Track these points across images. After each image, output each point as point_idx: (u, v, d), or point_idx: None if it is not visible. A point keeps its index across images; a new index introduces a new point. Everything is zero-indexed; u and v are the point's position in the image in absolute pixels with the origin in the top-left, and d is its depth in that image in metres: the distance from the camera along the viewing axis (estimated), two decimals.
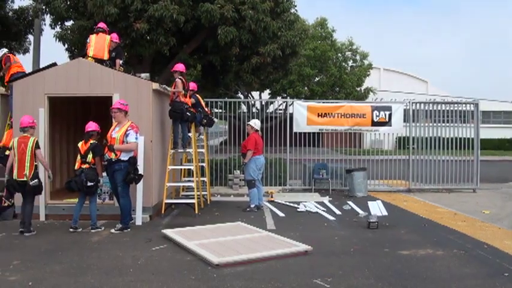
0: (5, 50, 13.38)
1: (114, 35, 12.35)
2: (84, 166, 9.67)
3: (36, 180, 9.51)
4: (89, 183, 9.61)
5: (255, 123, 12.53)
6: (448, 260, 7.63)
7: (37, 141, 9.69)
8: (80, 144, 9.79)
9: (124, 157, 9.58)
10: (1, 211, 11.02)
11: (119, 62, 12.39)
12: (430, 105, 16.67)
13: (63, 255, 7.90)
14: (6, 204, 11.21)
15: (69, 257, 7.74)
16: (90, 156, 9.70)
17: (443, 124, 16.40)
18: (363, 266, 7.20)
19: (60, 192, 11.88)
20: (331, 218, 11.19)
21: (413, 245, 8.57)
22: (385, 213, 10.97)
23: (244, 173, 13.10)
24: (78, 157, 9.77)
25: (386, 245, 8.53)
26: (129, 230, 9.66)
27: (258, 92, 37.75)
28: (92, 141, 9.79)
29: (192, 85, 12.78)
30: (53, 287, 6.34)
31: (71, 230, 9.54)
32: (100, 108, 12.35)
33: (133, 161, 9.64)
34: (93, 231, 9.62)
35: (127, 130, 9.61)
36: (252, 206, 12.12)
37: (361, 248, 8.33)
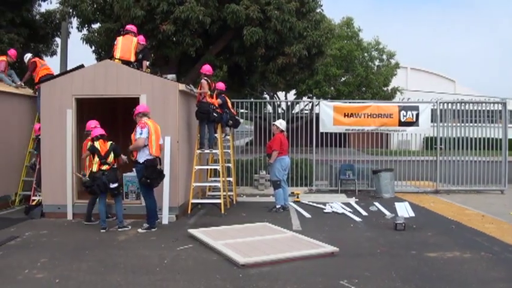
0: (29, 55, 13.64)
1: (141, 37, 12.47)
2: (104, 168, 9.72)
3: (86, 177, 9.92)
4: (113, 185, 9.70)
5: (281, 123, 12.51)
6: (475, 263, 7.52)
7: (90, 144, 9.93)
8: (98, 146, 9.78)
9: (140, 158, 9.58)
10: (29, 209, 11.24)
11: (146, 63, 12.50)
12: (458, 105, 16.45)
13: (90, 253, 8.00)
14: (34, 203, 11.45)
15: (96, 256, 7.84)
16: (111, 156, 9.79)
17: (471, 124, 16.17)
18: (389, 268, 7.14)
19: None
20: (357, 219, 11.12)
21: (440, 247, 8.46)
22: (412, 214, 10.85)
23: (269, 174, 13.09)
24: (96, 158, 9.73)
25: (413, 247, 8.45)
26: (155, 229, 9.74)
27: (283, 93, 37.68)
28: (110, 142, 9.89)
29: (220, 85, 12.83)
30: (80, 284, 6.43)
31: (102, 230, 9.64)
32: (127, 108, 12.45)
33: (149, 163, 9.53)
34: (120, 230, 9.71)
35: (135, 129, 9.65)
36: (278, 206, 12.10)
37: (388, 250, 8.26)
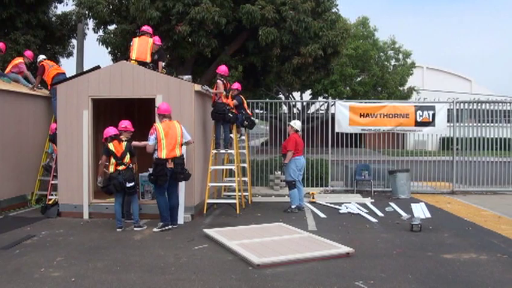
0: (41, 57, 13.79)
1: (157, 38, 12.53)
2: (120, 168, 9.77)
3: (99, 180, 9.99)
4: (129, 184, 9.76)
5: (295, 123, 12.50)
6: (491, 264, 7.45)
7: (105, 146, 9.97)
8: (112, 147, 9.82)
9: (154, 158, 9.79)
10: (46, 209, 11.36)
11: (162, 64, 12.56)
12: (474, 104, 16.31)
13: (106, 252, 8.06)
14: (50, 203, 11.58)
15: (111, 255, 7.90)
16: (127, 157, 9.84)
17: (488, 124, 16.02)
18: (405, 270, 7.10)
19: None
20: (373, 220, 11.07)
21: (456, 248, 8.40)
22: (428, 215, 10.78)
23: (284, 174, 13.09)
24: (112, 160, 9.78)
25: (429, 248, 8.39)
26: (169, 227, 9.81)
27: (299, 93, 37.62)
28: (126, 142, 9.93)
29: (237, 85, 12.81)
30: (96, 283, 6.48)
31: (118, 229, 9.71)
32: (143, 107, 12.54)
33: (158, 162, 9.68)
34: (136, 229, 9.77)
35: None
36: (293, 206, 12.09)
37: (404, 251, 8.21)
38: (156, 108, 10.35)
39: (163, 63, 13.00)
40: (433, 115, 15.50)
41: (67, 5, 23.40)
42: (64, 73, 13.46)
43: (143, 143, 10.14)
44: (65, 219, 10.89)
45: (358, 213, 11.80)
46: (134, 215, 9.98)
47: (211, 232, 9.14)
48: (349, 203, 12.98)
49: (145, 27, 12.63)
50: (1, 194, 11.45)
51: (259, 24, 16.59)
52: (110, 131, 9.96)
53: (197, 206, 11.24)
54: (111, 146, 9.80)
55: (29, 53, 14.35)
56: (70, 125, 11.08)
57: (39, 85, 13.65)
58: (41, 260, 7.53)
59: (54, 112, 12.29)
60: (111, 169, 9.77)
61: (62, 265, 7.30)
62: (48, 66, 13.40)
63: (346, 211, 12.07)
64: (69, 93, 11.15)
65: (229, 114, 11.63)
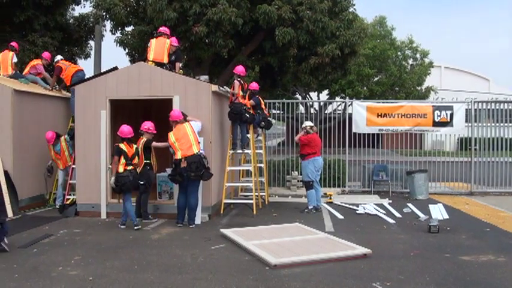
0: (58, 58, 13.89)
1: (174, 39, 12.59)
2: (128, 168, 9.86)
3: (112, 180, 10.03)
4: (141, 182, 10.04)
5: (305, 123, 12.42)
6: (509, 266, 7.37)
7: (115, 146, 10.13)
8: (124, 147, 9.90)
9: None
10: (64, 208, 11.46)
11: (179, 65, 12.61)
12: (493, 104, 16.14)
13: (123, 251, 8.12)
14: (68, 202, 11.69)
15: (129, 254, 7.95)
16: (137, 158, 10.00)
17: (507, 124, 15.84)
18: (423, 271, 7.05)
19: None
20: (391, 221, 11.01)
21: (474, 250, 8.32)
22: (446, 216, 10.71)
23: (302, 174, 13.07)
24: (122, 160, 9.85)
25: (447, 249, 8.32)
26: (181, 226, 10.06)
27: (316, 93, 37.52)
28: (136, 146, 10.06)
29: (254, 85, 12.80)
30: (113, 282, 6.53)
31: (136, 228, 9.79)
32: (161, 109, 12.59)
33: (175, 162, 10.00)
34: (121, 226, 10.04)
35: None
36: (310, 207, 12.06)
37: (422, 253, 8.16)
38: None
39: (181, 64, 13.06)
40: (451, 115, 15.35)
41: (84, 6, 23.69)
42: (82, 70, 13.62)
43: (163, 143, 10.42)
44: (83, 218, 10.99)
45: (376, 214, 11.74)
46: (142, 207, 10.40)
47: (228, 232, 9.17)
48: (367, 203, 12.92)
49: (162, 28, 12.69)
50: (20, 193, 11.57)
51: (276, 25, 16.61)
52: (124, 129, 10.06)
53: (214, 206, 11.28)
54: (122, 146, 9.92)
55: (46, 55, 14.50)
56: (88, 125, 11.19)
57: (57, 85, 13.77)
58: (58, 259, 7.60)
59: (72, 111, 12.39)
60: (120, 169, 9.84)
61: (79, 264, 7.37)
62: (65, 66, 13.51)
63: (364, 212, 12.02)
64: (87, 94, 11.25)
65: (246, 114, 11.65)
